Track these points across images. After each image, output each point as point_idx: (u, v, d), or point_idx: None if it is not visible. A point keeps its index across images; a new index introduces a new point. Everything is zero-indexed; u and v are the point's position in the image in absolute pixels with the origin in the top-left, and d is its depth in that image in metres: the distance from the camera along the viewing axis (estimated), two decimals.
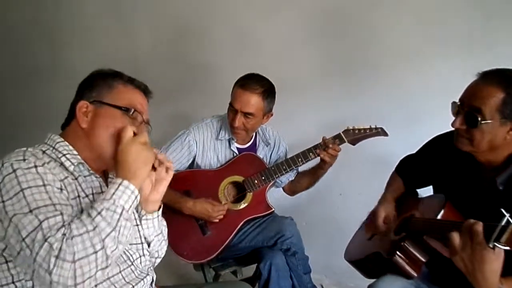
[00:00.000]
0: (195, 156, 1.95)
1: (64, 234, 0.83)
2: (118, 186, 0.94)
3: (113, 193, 0.92)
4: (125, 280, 1.07)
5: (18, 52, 3.36)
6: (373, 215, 1.66)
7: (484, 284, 1.05)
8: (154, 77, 2.83)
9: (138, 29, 2.94)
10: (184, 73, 2.85)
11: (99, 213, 0.89)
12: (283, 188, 2.15)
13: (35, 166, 0.93)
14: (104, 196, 0.92)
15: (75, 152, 1.05)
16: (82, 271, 0.82)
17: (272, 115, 1.95)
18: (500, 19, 2.08)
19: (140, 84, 1.16)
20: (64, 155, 1.03)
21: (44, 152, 1.02)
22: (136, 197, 0.96)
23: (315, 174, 1.99)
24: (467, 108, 1.23)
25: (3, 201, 0.87)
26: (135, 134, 1.03)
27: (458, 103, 1.27)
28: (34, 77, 3.24)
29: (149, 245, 1.19)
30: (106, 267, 0.88)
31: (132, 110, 1.08)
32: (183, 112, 2.84)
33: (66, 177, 0.99)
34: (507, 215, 0.98)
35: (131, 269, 1.09)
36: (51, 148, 1.04)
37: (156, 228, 1.18)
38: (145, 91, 1.17)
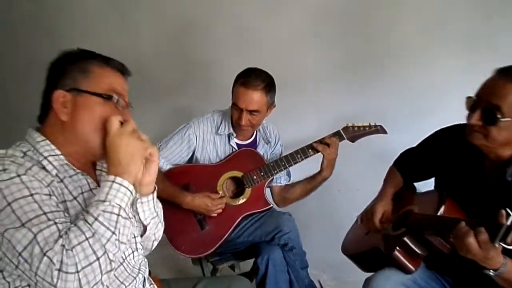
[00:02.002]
0: (194, 150, 1.96)
1: (63, 245, 0.80)
2: (112, 184, 0.90)
3: (108, 193, 0.89)
4: (119, 280, 1.04)
5: (19, 48, 3.35)
6: (370, 212, 1.67)
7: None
8: (156, 74, 2.87)
9: (139, 26, 2.93)
10: (185, 70, 2.85)
11: (96, 218, 0.86)
12: (272, 195, 2.11)
13: (18, 176, 0.87)
14: (98, 197, 0.89)
15: (57, 152, 0.99)
16: (87, 279, 0.81)
17: (274, 106, 1.95)
18: (501, 17, 2.08)
19: (117, 64, 1.06)
20: (45, 157, 0.96)
21: (25, 154, 0.96)
22: (131, 192, 0.94)
23: (313, 179, 1.97)
24: (485, 105, 1.21)
25: None
26: (121, 123, 0.98)
27: (475, 98, 1.25)
28: (35, 73, 3.22)
29: (145, 230, 1.15)
30: (111, 270, 0.87)
31: (116, 98, 1.01)
32: (185, 108, 2.85)
33: (52, 181, 0.94)
34: None
35: (123, 266, 1.06)
36: (32, 149, 0.97)
37: (152, 211, 1.13)
38: (123, 72, 1.08)
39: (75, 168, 1.01)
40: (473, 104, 1.25)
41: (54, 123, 1.00)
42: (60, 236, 0.82)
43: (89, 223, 0.85)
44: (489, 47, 2.09)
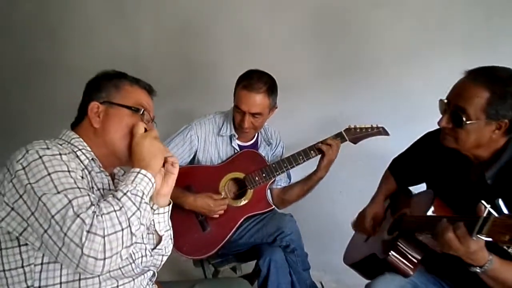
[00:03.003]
0: (196, 151, 1.96)
1: (94, 212, 0.88)
2: (137, 174, 1.01)
3: (133, 180, 1.00)
4: (123, 276, 1.07)
5: (20, 49, 3.35)
6: (360, 217, 1.68)
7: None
8: (156, 74, 2.85)
9: (140, 26, 2.94)
10: (186, 70, 2.85)
11: (124, 193, 0.95)
12: (272, 197, 2.11)
13: (60, 154, 0.97)
14: (125, 182, 0.99)
15: (88, 149, 1.10)
16: (111, 245, 0.87)
17: (276, 108, 1.95)
18: (501, 18, 2.08)
19: (145, 85, 1.22)
20: (80, 149, 1.08)
21: (60, 145, 1.05)
22: (153, 184, 1.03)
23: (309, 179, 1.97)
24: (453, 108, 1.23)
25: (30, 183, 0.90)
26: (145, 130, 1.11)
27: (445, 101, 1.27)
28: (36, 74, 3.24)
29: (160, 240, 1.22)
30: (131, 245, 0.93)
31: (142, 110, 1.15)
32: (185, 109, 2.85)
33: (83, 169, 1.04)
34: (488, 206, 1.00)
35: (131, 266, 1.10)
36: (66, 143, 1.08)
37: (166, 223, 1.22)
38: (150, 91, 1.23)
39: (100, 166, 1.12)
40: (444, 107, 1.27)
41: (86, 129, 1.13)
42: (92, 204, 0.90)
43: (117, 198, 0.95)
44: (489, 47, 2.09)
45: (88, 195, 0.92)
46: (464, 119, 1.19)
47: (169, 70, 2.89)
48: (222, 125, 1.98)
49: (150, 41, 2.93)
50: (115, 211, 0.91)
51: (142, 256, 1.15)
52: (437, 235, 1.13)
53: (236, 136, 1.97)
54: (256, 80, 1.82)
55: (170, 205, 1.22)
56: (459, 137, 1.24)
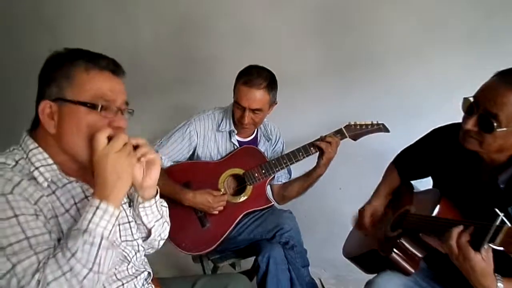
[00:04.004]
0: (195, 147, 1.95)
1: (39, 281, 0.79)
2: (96, 210, 0.86)
3: (90, 220, 0.85)
4: (117, 278, 1.04)
5: (19, 44, 3.34)
6: (360, 214, 1.67)
7: (481, 287, 1.06)
8: (156, 69, 2.86)
9: (139, 21, 2.92)
10: (185, 65, 2.84)
11: (73, 255, 0.82)
12: (272, 193, 2.11)
13: (3, 195, 0.83)
14: (80, 225, 0.85)
15: (49, 161, 0.95)
16: None
17: (276, 104, 1.94)
18: (502, 16, 2.07)
19: (106, 63, 0.97)
20: (37, 168, 0.92)
21: (17, 162, 0.93)
22: (116, 218, 0.89)
23: (309, 176, 1.97)
24: (483, 111, 1.16)
25: None
26: (110, 137, 0.92)
27: (472, 100, 1.20)
28: (36, 70, 3.21)
29: (150, 233, 1.14)
30: None
31: (100, 106, 0.93)
32: (184, 104, 2.84)
33: (41, 196, 0.90)
34: (501, 214, 0.97)
35: (127, 267, 1.06)
36: (24, 156, 0.94)
37: (155, 214, 1.12)
38: (115, 70, 0.99)
39: (68, 177, 0.98)
40: (469, 108, 1.20)
41: (43, 135, 0.96)
42: (37, 270, 0.80)
43: (66, 258, 0.82)
44: (490, 45, 2.08)
45: (36, 253, 0.81)
46: (495, 125, 1.13)
47: (169, 65, 2.88)
48: (222, 121, 1.97)
49: (150, 37, 2.92)
50: (63, 274, 0.80)
51: (136, 252, 1.11)
52: (444, 240, 1.11)
53: (236, 132, 1.97)
54: (257, 76, 1.81)
55: (157, 195, 1.11)
56: (484, 141, 1.18)
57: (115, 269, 1.03)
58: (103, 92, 0.95)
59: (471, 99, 1.20)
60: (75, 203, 0.97)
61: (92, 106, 0.93)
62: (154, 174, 1.04)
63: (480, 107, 1.17)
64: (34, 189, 0.89)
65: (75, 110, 0.92)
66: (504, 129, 1.13)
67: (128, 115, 1.03)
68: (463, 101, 1.23)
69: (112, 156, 0.89)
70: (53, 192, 0.94)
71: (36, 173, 0.92)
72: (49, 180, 0.93)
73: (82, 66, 0.94)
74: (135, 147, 0.96)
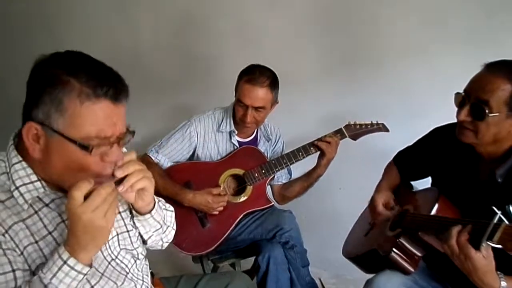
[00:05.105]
0: (196, 147, 1.95)
1: None
2: (62, 266, 0.78)
3: (55, 274, 0.78)
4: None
5: (18, 43, 3.34)
6: (371, 203, 1.66)
7: (484, 285, 1.06)
8: (156, 69, 2.87)
9: (139, 20, 2.92)
10: (185, 64, 2.84)
11: None
12: (273, 193, 2.11)
13: None
14: (44, 274, 0.78)
15: (33, 178, 0.85)
16: None
17: (277, 103, 1.95)
18: (504, 15, 2.06)
19: (106, 90, 0.81)
20: (17, 187, 0.83)
21: None
22: (85, 275, 0.81)
23: (309, 176, 1.97)
24: (474, 100, 1.20)
25: None
26: (89, 192, 0.79)
27: (463, 93, 1.24)
28: None
29: (145, 242, 1.11)
30: None
31: (90, 148, 0.81)
32: (184, 104, 2.84)
33: (14, 223, 0.82)
34: (499, 212, 0.97)
35: (126, 278, 1.03)
36: (8, 171, 0.85)
37: (154, 225, 1.08)
38: (116, 96, 0.83)
39: (56, 192, 0.90)
40: (461, 100, 1.25)
41: (28, 153, 0.84)
42: None
43: None
44: (491, 44, 2.07)
45: None
46: (486, 111, 1.16)
47: (169, 65, 2.88)
48: (222, 121, 1.97)
49: (150, 36, 2.92)
50: None
51: (136, 260, 1.07)
52: (444, 240, 1.12)
53: (236, 132, 1.97)
54: (259, 74, 1.81)
55: (153, 210, 1.04)
56: (478, 130, 1.20)
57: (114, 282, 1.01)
58: (97, 129, 0.82)
59: (462, 93, 1.25)
60: (63, 221, 0.90)
61: (83, 147, 0.81)
62: (147, 198, 0.96)
63: (471, 97, 1.21)
64: (7, 214, 0.81)
65: (63, 143, 0.81)
66: (496, 114, 1.16)
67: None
68: (455, 97, 1.27)
69: (88, 216, 0.77)
70: (36, 212, 0.86)
71: (16, 194, 0.84)
72: (29, 202, 0.85)
73: (75, 93, 0.79)
74: (123, 178, 0.86)
